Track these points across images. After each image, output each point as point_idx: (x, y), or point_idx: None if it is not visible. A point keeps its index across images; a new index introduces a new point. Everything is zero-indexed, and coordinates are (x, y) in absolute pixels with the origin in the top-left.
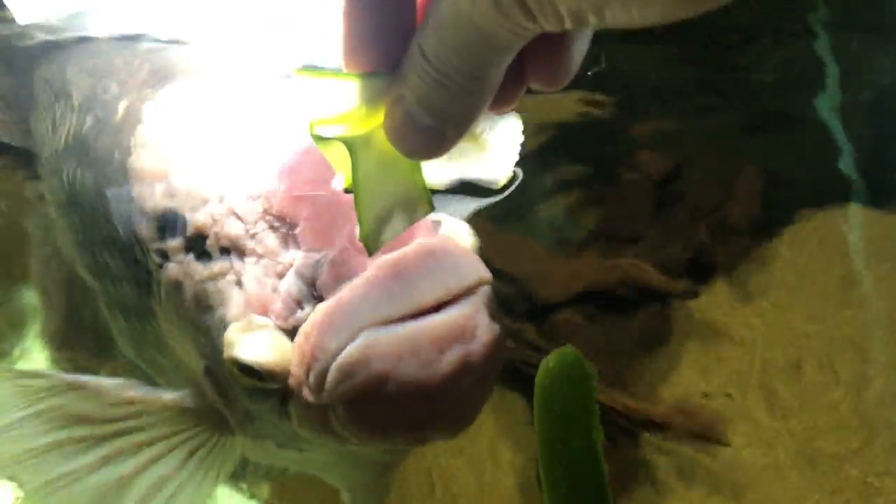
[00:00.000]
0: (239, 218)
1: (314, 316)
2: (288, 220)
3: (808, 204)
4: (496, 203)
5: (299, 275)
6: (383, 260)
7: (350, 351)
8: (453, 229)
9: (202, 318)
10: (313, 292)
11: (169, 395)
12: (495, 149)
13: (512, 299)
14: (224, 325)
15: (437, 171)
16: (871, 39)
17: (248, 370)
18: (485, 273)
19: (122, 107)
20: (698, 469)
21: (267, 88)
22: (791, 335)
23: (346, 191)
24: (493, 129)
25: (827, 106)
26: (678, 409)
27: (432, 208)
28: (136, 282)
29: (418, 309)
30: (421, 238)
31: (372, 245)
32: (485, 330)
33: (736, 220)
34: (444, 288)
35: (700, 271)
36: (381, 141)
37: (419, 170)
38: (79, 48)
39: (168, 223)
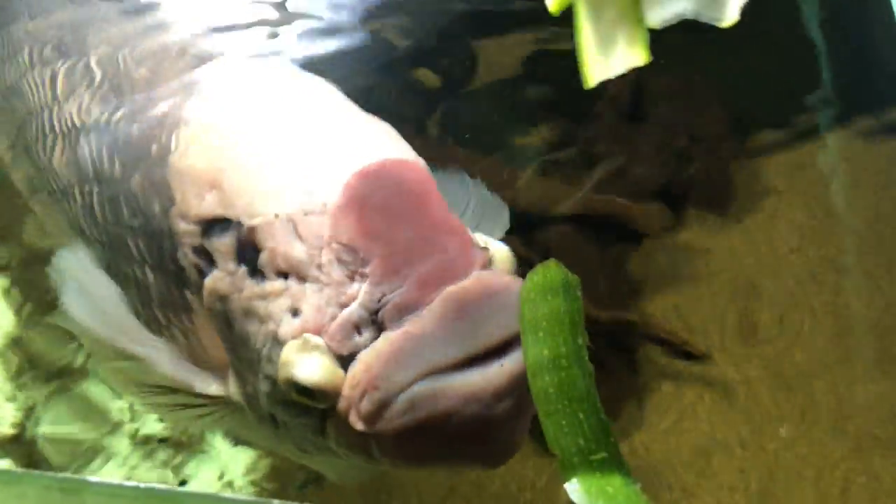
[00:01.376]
0: (302, 240)
1: (379, 346)
2: (359, 253)
3: (780, 125)
4: (471, 131)
5: (363, 305)
6: (448, 295)
7: (421, 389)
8: (499, 254)
9: (246, 327)
10: (374, 319)
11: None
12: None
13: None
14: (273, 340)
15: (657, 9)
16: None
17: (302, 390)
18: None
19: (160, 95)
20: (683, 382)
21: (321, 88)
22: (769, 260)
23: (553, 15)
24: None
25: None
26: (661, 324)
27: (648, 54)
28: (163, 271)
29: (482, 351)
30: (477, 272)
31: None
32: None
33: (707, 142)
34: (506, 329)
35: (674, 198)
36: None
37: (638, 6)
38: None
39: (217, 229)
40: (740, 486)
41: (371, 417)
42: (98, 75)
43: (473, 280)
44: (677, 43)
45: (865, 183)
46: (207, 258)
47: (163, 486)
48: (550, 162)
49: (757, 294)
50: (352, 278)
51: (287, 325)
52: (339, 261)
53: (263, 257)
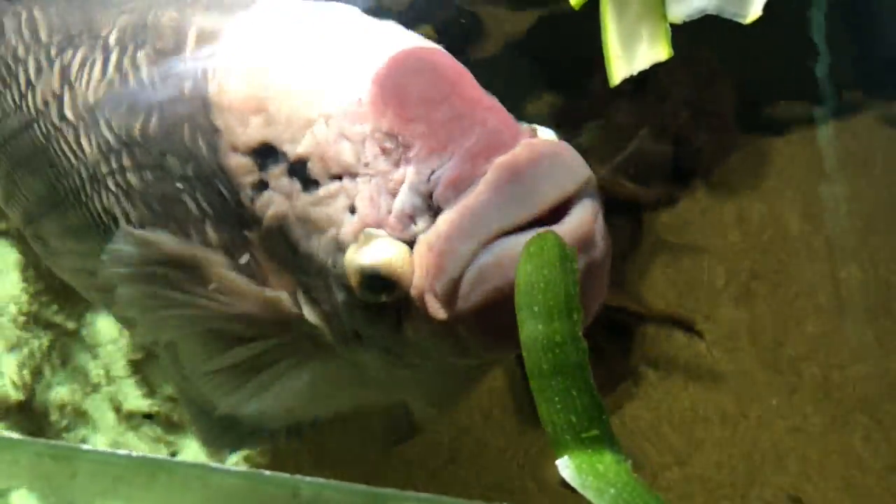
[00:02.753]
0: (347, 139)
1: (438, 226)
2: (400, 139)
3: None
4: None
5: (413, 190)
6: (500, 164)
7: (488, 258)
8: (543, 132)
9: (309, 243)
10: (429, 204)
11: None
12: None
13: None
14: (337, 246)
15: (680, 5)
16: None
17: (372, 279)
18: (590, 172)
19: (188, 35)
20: (675, 367)
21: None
22: (766, 236)
23: (575, 7)
24: None
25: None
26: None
27: (670, 49)
28: (219, 217)
29: (542, 211)
30: (525, 140)
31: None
32: (602, 235)
33: (712, 120)
34: (562, 188)
35: (677, 173)
36: None
37: (662, 2)
38: None
39: (267, 154)
40: (726, 455)
41: (446, 297)
42: (123, 38)
43: (523, 146)
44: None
45: (864, 165)
46: (264, 186)
47: (155, 455)
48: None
49: (753, 269)
50: (397, 165)
51: (347, 226)
52: (384, 151)
53: (312, 166)
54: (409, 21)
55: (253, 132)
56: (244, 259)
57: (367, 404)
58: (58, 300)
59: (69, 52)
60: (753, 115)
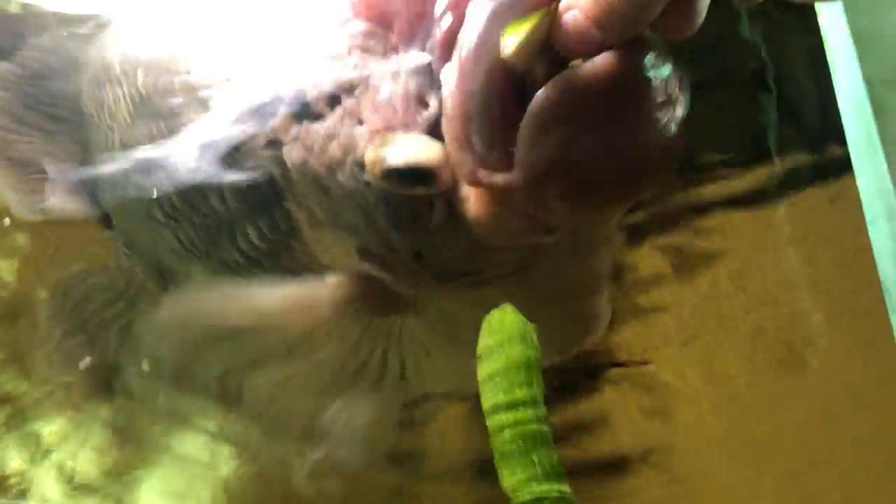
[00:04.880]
0: (331, 60)
1: (446, 85)
2: (379, 30)
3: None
4: None
5: (411, 70)
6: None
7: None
8: None
9: (337, 181)
10: (433, 78)
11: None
12: None
13: None
14: (358, 163)
15: None
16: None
17: (405, 174)
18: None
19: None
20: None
21: None
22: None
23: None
24: None
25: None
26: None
27: None
28: (259, 210)
29: None
30: None
31: None
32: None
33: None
34: None
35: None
36: None
37: None
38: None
39: (266, 110)
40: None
41: (494, 152)
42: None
43: None
44: None
45: (810, 236)
46: (277, 144)
47: None
48: None
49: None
50: (388, 57)
51: (361, 140)
52: (369, 50)
53: (312, 100)
54: None
55: (244, 102)
56: (294, 247)
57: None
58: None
59: None
60: (700, 181)
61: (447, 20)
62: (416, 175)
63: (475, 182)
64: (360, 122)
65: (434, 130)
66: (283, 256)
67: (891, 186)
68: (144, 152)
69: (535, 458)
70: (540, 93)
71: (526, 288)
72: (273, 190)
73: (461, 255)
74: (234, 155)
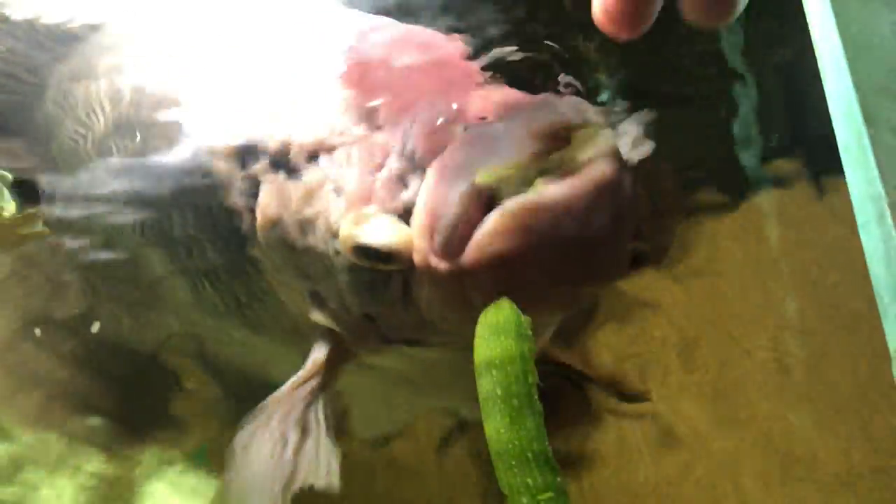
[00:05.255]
0: (319, 120)
1: (426, 182)
2: (369, 106)
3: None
4: None
5: (397, 152)
6: (471, 113)
7: (498, 214)
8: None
9: (306, 236)
10: (415, 164)
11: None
12: None
13: None
14: (332, 233)
15: None
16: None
17: (373, 254)
18: (590, 107)
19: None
20: (628, 430)
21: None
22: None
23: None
24: None
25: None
26: (607, 374)
27: None
28: (224, 242)
29: (524, 154)
30: (497, 86)
31: None
32: (629, 184)
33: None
34: (554, 117)
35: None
36: None
37: None
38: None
39: (248, 153)
40: None
41: (449, 250)
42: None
43: (491, 90)
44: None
45: (801, 241)
46: (254, 185)
47: None
48: None
49: (697, 341)
50: (374, 133)
51: (336, 209)
52: (357, 121)
53: (293, 153)
54: None
55: (228, 139)
56: (248, 278)
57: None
58: None
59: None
60: (692, 196)
61: (437, 114)
62: (383, 255)
63: (427, 266)
64: (339, 191)
65: (408, 211)
66: (241, 281)
67: (882, 191)
68: (118, 166)
69: (529, 456)
70: (496, 212)
71: (467, 358)
72: (238, 228)
73: (409, 326)
74: (205, 186)
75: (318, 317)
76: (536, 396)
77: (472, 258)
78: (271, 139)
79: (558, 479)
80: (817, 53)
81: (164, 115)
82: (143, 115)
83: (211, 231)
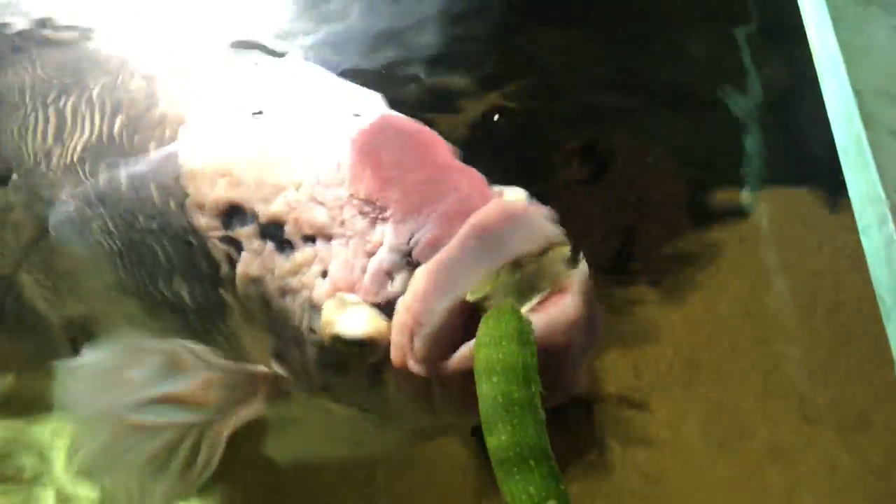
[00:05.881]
0: (321, 203)
1: (415, 283)
2: (377, 202)
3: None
4: None
5: (393, 249)
6: (472, 222)
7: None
8: (516, 196)
9: (283, 301)
10: (408, 261)
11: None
12: None
13: None
14: (311, 306)
15: None
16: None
17: (351, 344)
18: (559, 231)
19: (156, 102)
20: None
21: (308, 66)
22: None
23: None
24: None
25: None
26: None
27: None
28: (193, 274)
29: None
30: (495, 200)
31: None
32: (592, 320)
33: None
34: (533, 242)
35: (623, 262)
36: None
37: None
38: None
39: (237, 214)
40: None
41: (427, 356)
42: (98, 104)
43: (493, 205)
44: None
45: (802, 254)
46: (234, 245)
47: None
48: None
49: (697, 354)
50: (374, 227)
51: (320, 288)
52: (361, 213)
53: (288, 229)
54: None
55: (220, 192)
56: (216, 318)
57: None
58: None
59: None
60: (695, 207)
61: (439, 226)
62: (359, 343)
63: (404, 365)
64: (325, 273)
65: (390, 305)
66: (208, 318)
67: (882, 195)
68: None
69: (532, 463)
70: (465, 347)
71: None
72: (215, 275)
73: (367, 402)
74: (188, 234)
75: (277, 368)
76: (539, 404)
77: (451, 370)
78: (265, 208)
79: (560, 486)
80: (815, 58)
81: (157, 139)
82: (134, 137)
83: (183, 263)
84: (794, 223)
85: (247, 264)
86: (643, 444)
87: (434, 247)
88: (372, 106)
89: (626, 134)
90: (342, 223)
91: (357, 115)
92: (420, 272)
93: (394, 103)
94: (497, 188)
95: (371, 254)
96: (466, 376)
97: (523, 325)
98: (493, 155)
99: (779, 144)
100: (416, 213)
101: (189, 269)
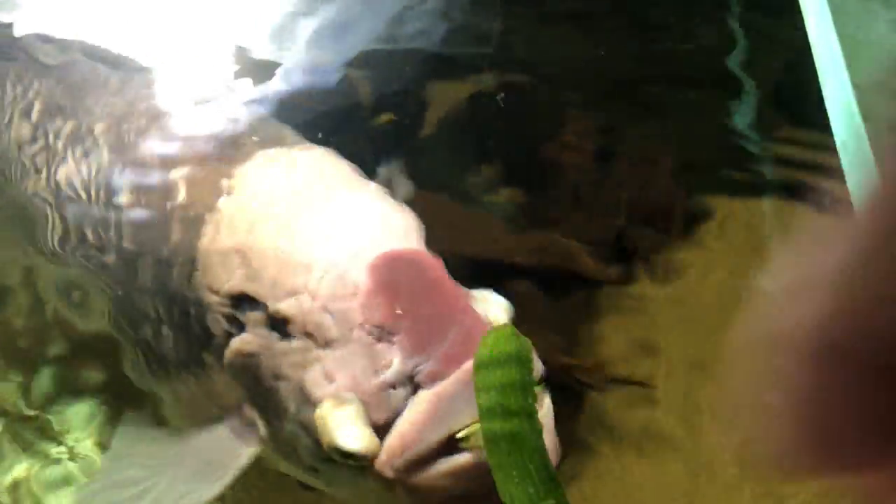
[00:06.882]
0: (332, 316)
1: (412, 415)
2: (388, 328)
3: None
4: (449, 182)
5: (397, 371)
6: (461, 369)
7: (454, 460)
8: (495, 304)
9: (278, 386)
10: (411, 378)
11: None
12: None
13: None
14: (306, 398)
15: None
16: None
17: (345, 454)
18: (541, 367)
19: (179, 177)
20: (626, 436)
21: (339, 168)
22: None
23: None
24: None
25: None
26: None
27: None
28: (182, 330)
29: None
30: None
31: None
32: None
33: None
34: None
35: (622, 253)
36: None
37: None
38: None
39: (247, 302)
40: None
41: (407, 472)
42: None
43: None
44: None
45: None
46: (237, 324)
47: None
48: (507, 207)
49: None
50: (381, 346)
51: (321, 390)
52: (370, 334)
53: (294, 327)
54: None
55: (236, 282)
56: (194, 372)
57: None
58: None
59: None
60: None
61: (440, 363)
62: (353, 455)
63: (381, 474)
64: (328, 376)
65: (386, 425)
66: (184, 366)
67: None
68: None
69: (530, 467)
70: (460, 463)
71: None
72: (205, 340)
73: (348, 491)
74: (189, 303)
75: (263, 432)
76: (536, 415)
77: (423, 485)
78: (277, 305)
79: (559, 489)
80: (814, 51)
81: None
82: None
83: (176, 320)
84: (790, 217)
85: (245, 342)
86: (642, 440)
87: (434, 379)
88: (391, 227)
89: (627, 129)
90: (350, 337)
91: (373, 235)
92: (419, 400)
93: (402, 71)
94: (482, 295)
95: (378, 369)
96: (436, 489)
97: (521, 345)
98: (488, 134)
99: (778, 141)
100: (423, 344)
101: (180, 327)
